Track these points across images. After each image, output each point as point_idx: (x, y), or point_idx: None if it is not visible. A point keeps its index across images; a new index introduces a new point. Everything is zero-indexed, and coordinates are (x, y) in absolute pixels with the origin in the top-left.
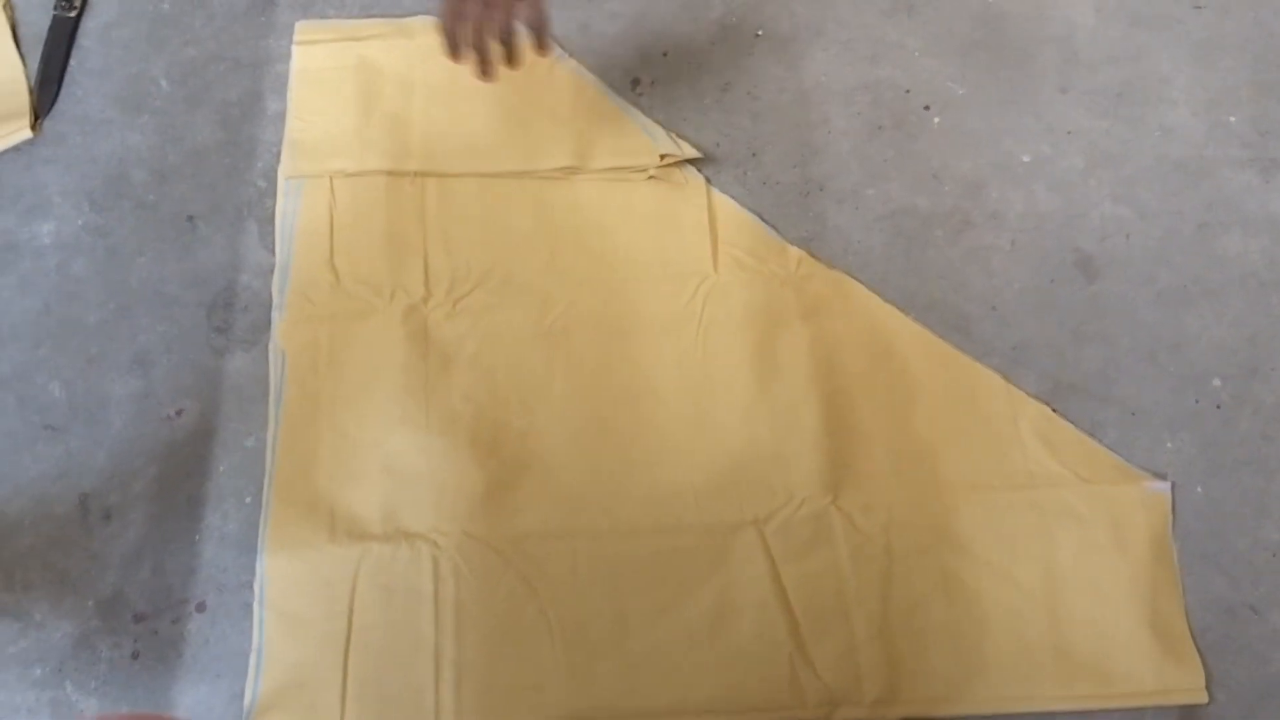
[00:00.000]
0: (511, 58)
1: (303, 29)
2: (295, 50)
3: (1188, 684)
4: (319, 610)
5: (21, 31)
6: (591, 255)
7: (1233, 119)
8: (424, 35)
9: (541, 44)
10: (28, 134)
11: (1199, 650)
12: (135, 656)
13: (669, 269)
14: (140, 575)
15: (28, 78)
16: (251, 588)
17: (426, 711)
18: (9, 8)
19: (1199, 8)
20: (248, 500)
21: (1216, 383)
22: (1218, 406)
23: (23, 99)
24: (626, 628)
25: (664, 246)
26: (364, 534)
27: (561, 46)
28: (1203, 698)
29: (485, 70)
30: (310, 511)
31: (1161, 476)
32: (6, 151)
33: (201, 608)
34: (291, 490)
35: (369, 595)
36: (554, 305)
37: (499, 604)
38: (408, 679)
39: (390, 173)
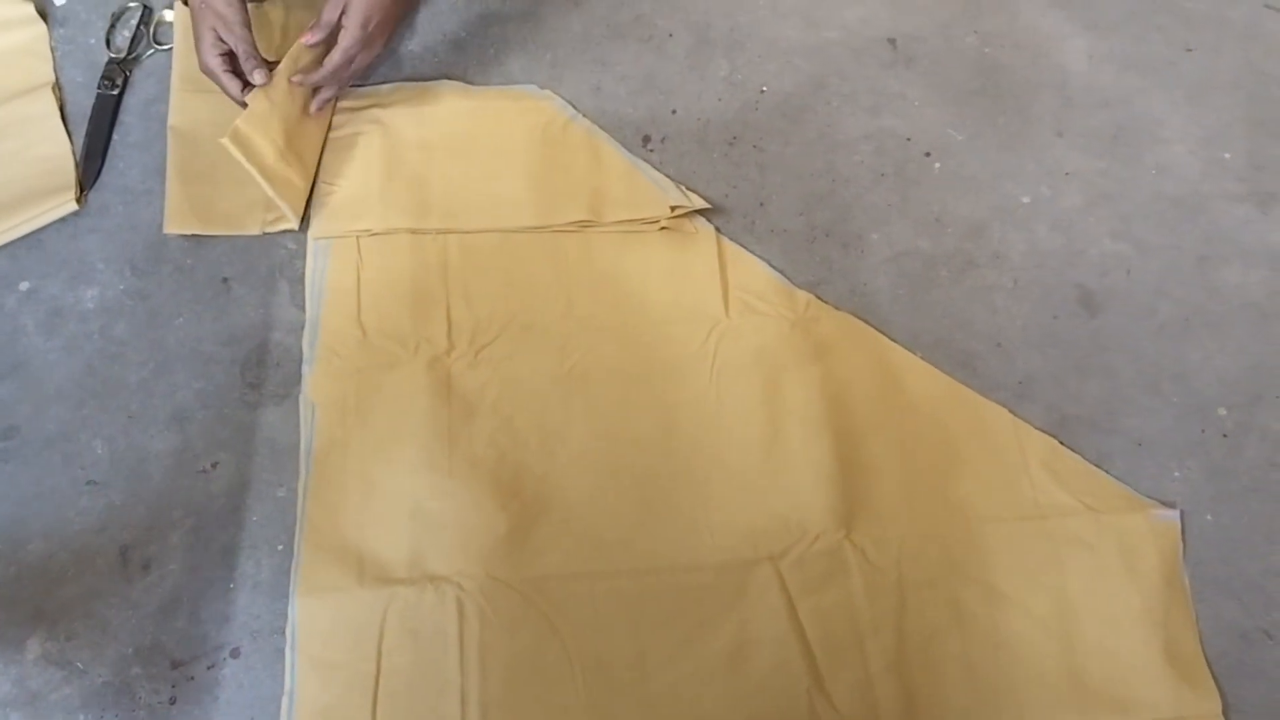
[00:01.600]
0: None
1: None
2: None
3: (1204, 710)
4: (348, 654)
5: (68, 110)
6: (607, 303)
7: (1227, 155)
8: (444, 99)
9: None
10: (74, 206)
11: (1214, 676)
12: (173, 702)
13: (682, 314)
14: (177, 623)
15: (74, 154)
16: (284, 633)
17: None
18: (58, 89)
19: (1190, 50)
20: (279, 548)
21: (1222, 411)
22: (1224, 435)
23: (69, 174)
24: (646, 665)
25: (677, 293)
26: (391, 578)
27: (574, 106)
28: None
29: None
30: (339, 557)
31: (1170, 505)
32: (54, 223)
33: (236, 653)
34: (321, 537)
35: (396, 638)
36: (572, 352)
37: (522, 644)
38: (435, 718)
39: (413, 231)
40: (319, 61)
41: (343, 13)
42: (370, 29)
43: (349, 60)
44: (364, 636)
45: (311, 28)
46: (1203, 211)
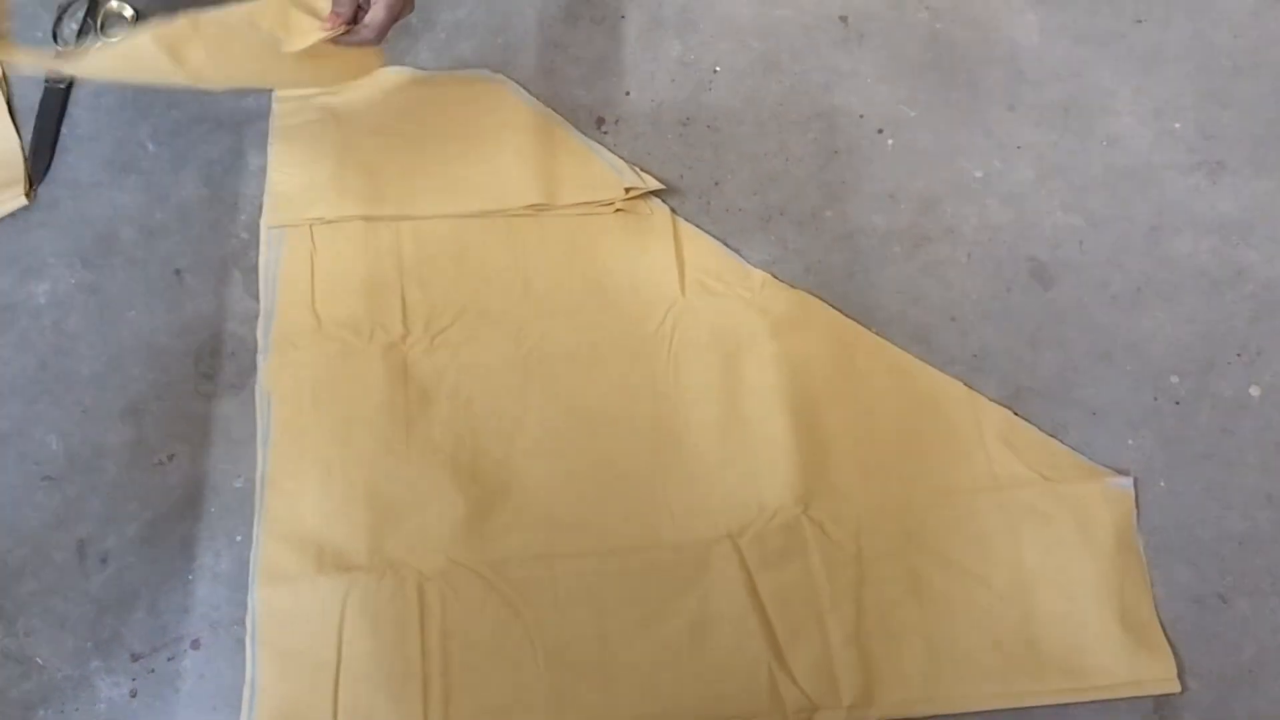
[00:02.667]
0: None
1: None
2: (275, 106)
3: (1160, 674)
4: (309, 642)
5: (16, 104)
6: (563, 286)
7: (1178, 125)
8: (396, 85)
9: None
10: (23, 201)
11: (1170, 640)
12: (134, 695)
13: (639, 296)
14: (136, 616)
15: (22, 148)
16: (244, 623)
17: None
18: (4, 84)
19: (1140, 22)
20: (238, 539)
21: (1174, 379)
22: (1176, 403)
23: (18, 169)
24: (608, 644)
25: (633, 274)
26: (350, 565)
27: (527, 90)
28: (1175, 687)
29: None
30: (298, 546)
31: (1124, 473)
32: (3, 219)
33: (196, 645)
34: (279, 526)
35: (357, 624)
36: (528, 335)
37: (484, 627)
38: (397, 704)
39: (367, 218)
40: None
41: None
42: None
43: (394, 17)
44: (324, 624)
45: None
46: (1153, 182)
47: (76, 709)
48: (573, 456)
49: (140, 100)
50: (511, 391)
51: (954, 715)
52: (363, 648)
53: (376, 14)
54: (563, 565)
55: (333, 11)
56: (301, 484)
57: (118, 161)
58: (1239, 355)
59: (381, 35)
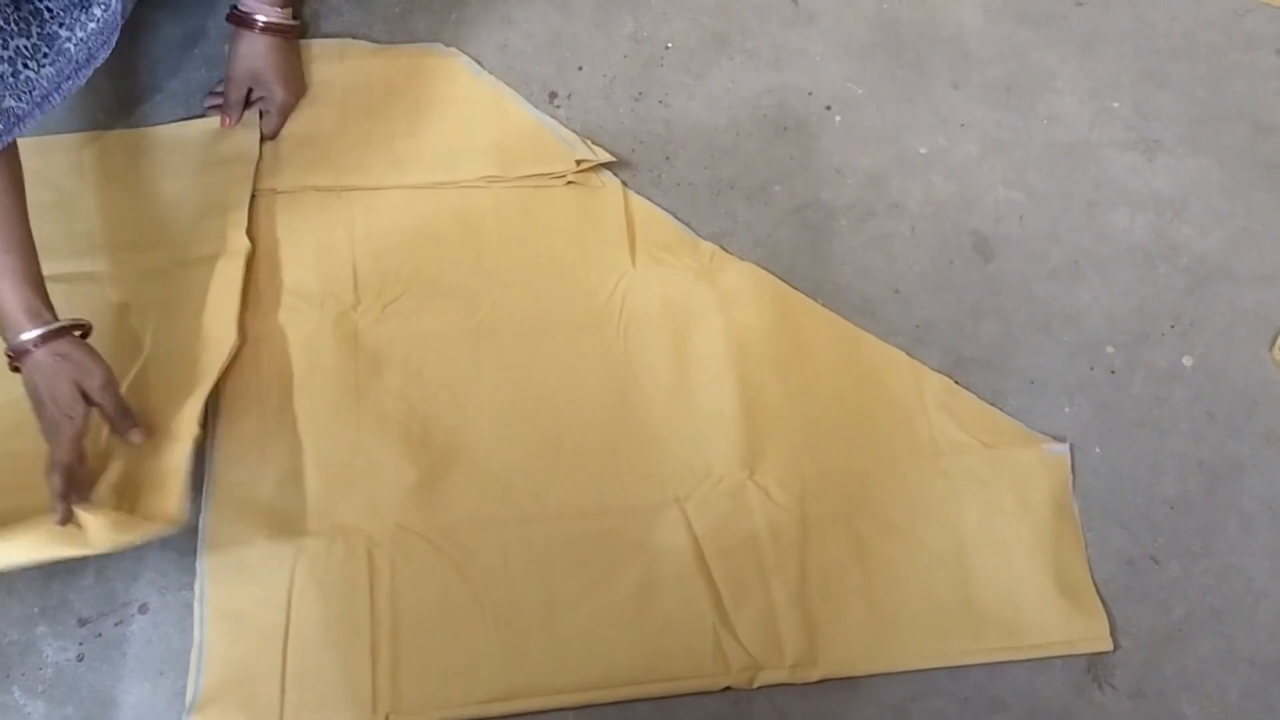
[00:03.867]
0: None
1: None
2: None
3: (1093, 633)
4: (257, 606)
5: None
6: (514, 258)
7: (1116, 105)
8: (350, 58)
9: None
10: None
11: (1103, 600)
12: (80, 659)
13: (590, 267)
14: (84, 581)
15: None
16: (192, 588)
17: (364, 696)
18: None
19: (1080, 4)
20: (188, 504)
21: (1109, 350)
22: (1112, 372)
23: None
24: (556, 608)
25: (584, 246)
26: (300, 530)
27: (480, 64)
28: (1107, 645)
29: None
30: (247, 512)
31: (1060, 439)
32: None
33: (144, 609)
34: (229, 493)
35: (306, 589)
36: (480, 306)
37: (433, 591)
38: (346, 667)
39: (319, 188)
40: None
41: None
42: (286, 80)
43: (285, 117)
44: (273, 588)
45: (225, 114)
46: (1092, 159)
47: (23, 674)
48: (523, 424)
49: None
50: (462, 361)
51: (894, 674)
52: (312, 612)
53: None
54: (512, 531)
55: (224, 113)
56: (250, 451)
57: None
58: (1172, 327)
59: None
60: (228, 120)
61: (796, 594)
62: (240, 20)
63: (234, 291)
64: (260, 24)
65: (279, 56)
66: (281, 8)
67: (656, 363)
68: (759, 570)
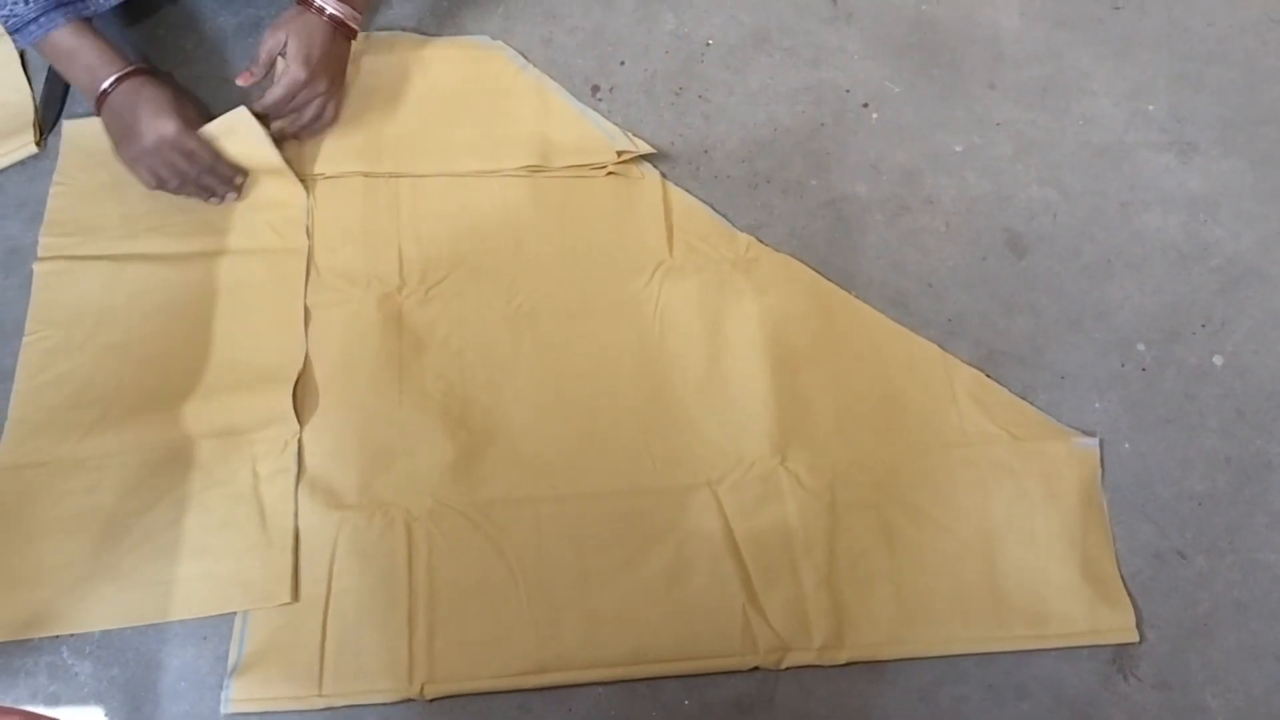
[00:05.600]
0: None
1: None
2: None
3: (1119, 624)
4: (300, 576)
5: (29, 57)
6: (554, 244)
7: (1151, 108)
8: (398, 48)
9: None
10: (33, 149)
11: (1130, 593)
12: None
13: (628, 254)
14: None
15: (34, 100)
16: None
17: (400, 666)
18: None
19: (1118, 8)
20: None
21: (1140, 347)
22: (1142, 369)
23: (28, 119)
24: (588, 584)
25: (623, 234)
26: (342, 504)
27: (525, 57)
28: (1133, 637)
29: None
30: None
31: (1090, 434)
32: (13, 166)
33: None
34: None
35: (347, 561)
36: (519, 290)
37: (469, 565)
38: (383, 636)
39: (366, 174)
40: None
41: (283, 51)
42: (313, 65)
43: (290, 95)
44: (315, 559)
45: (248, 68)
46: (1126, 160)
47: (72, 635)
48: (559, 405)
49: (150, 56)
50: (502, 343)
51: (921, 659)
52: (351, 583)
53: (273, 91)
54: (546, 508)
55: (246, 72)
56: (304, 423)
57: None
58: (1203, 326)
59: (279, 112)
60: (249, 76)
61: (825, 578)
62: (306, 4)
63: (297, 292)
64: (327, 12)
65: (334, 47)
66: (353, 8)
67: (691, 349)
68: (788, 554)
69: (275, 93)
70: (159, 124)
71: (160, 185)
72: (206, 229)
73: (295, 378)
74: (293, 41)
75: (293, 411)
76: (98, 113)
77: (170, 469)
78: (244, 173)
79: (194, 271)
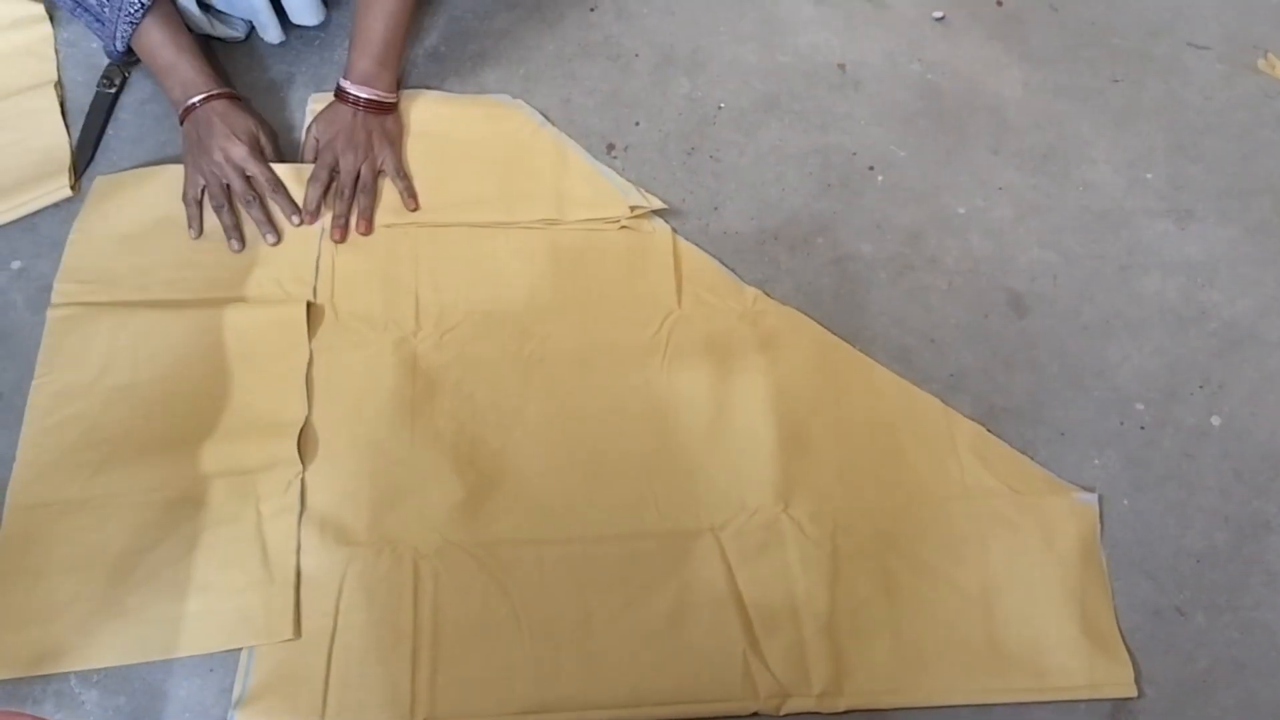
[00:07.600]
0: (368, 215)
1: (316, 100)
2: (309, 117)
3: (1118, 679)
4: (307, 609)
5: (68, 105)
6: (567, 294)
7: (1149, 175)
8: (421, 104)
9: (410, 195)
10: (67, 192)
11: (1129, 649)
12: None
13: (638, 305)
14: None
15: (70, 144)
16: None
17: (403, 701)
18: (59, 87)
19: (1117, 80)
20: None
21: (1139, 406)
22: (1141, 428)
23: (64, 162)
24: (590, 626)
25: (633, 284)
26: (351, 540)
27: (545, 116)
28: (1132, 691)
29: (343, 231)
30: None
31: (1090, 489)
32: (47, 208)
33: None
34: None
35: (354, 596)
36: (531, 337)
37: (473, 603)
38: (387, 671)
39: (388, 225)
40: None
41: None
42: (333, 146)
43: (321, 181)
44: (323, 594)
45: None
46: (1125, 225)
47: None
48: (566, 449)
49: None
50: (512, 387)
51: (920, 708)
52: (357, 618)
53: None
54: (550, 549)
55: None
56: (307, 464)
57: (158, 162)
58: (1201, 387)
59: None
60: (308, 218)
61: (825, 625)
62: (342, 96)
63: (300, 345)
64: (350, 98)
65: (363, 121)
66: (387, 89)
67: (697, 397)
68: (790, 601)
69: (308, 192)
70: (230, 144)
71: (203, 194)
72: (215, 285)
73: (300, 423)
74: (314, 126)
75: (296, 453)
76: (181, 123)
77: (176, 508)
78: (298, 215)
79: (200, 319)
